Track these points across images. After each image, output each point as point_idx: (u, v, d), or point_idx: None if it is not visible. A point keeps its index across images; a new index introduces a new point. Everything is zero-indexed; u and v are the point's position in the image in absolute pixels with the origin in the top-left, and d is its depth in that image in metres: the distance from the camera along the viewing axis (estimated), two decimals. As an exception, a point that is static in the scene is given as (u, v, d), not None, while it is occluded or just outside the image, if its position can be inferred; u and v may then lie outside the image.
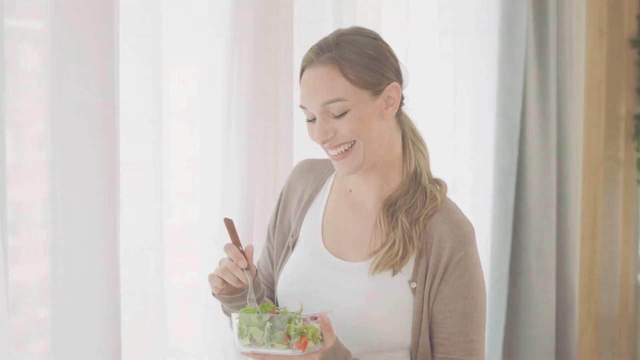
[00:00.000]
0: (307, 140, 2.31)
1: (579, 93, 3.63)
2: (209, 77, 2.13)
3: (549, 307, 3.34)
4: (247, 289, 1.73)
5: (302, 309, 1.65)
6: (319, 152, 2.33)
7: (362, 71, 1.69)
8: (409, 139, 1.80)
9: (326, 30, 2.34)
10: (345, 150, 1.72)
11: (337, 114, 1.69)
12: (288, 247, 1.85)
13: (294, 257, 1.83)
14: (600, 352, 4.09)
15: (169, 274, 2.04)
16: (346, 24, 2.44)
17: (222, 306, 1.81)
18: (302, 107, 1.74)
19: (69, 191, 1.70)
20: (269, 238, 1.92)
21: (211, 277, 1.73)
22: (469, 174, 3.17)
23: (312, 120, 1.74)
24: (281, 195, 1.92)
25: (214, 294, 1.77)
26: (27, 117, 1.68)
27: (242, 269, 1.70)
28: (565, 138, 3.42)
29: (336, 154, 1.72)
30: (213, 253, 2.11)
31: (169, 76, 2.02)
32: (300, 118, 2.29)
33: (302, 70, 1.74)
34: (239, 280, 1.71)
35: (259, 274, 1.80)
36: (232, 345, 2.07)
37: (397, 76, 1.75)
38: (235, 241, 1.71)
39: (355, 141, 1.71)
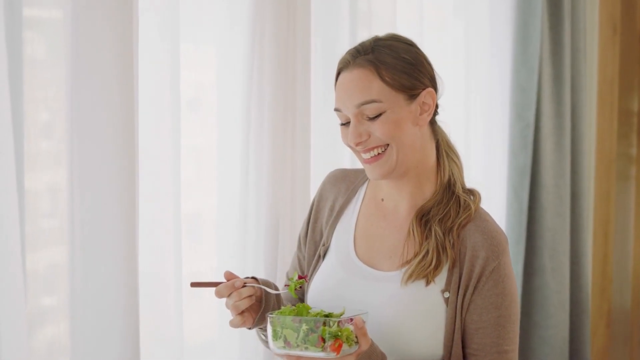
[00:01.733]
0: (323, 129, 2.35)
1: (593, 91, 3.60)
2: (228, 66, 2.13)
3: (563, 308, 3.32)
4: (263, 300, 1.73)
5: (344, 312, 1.65)
6: (334, 141, 2.32)
7: (398, 74, 1.70)
8: (443, 150, 1.81)
9: (342, 20, 2.37)
10: (378, 154, 1.72)
11: (371, 116, 1.70)
12: (319, 256, 1.85)
13: (325, 266, 1.83)
14: (612, 349, 4.07)
15: (186, 262, 2.04)
16: (361, 12, 2.46)
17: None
18: (336, 110, 1.75)
19: (87, 179, 1.71)
20: (299, 247, 1.93)
21: (233, 323, 1.72)
22: (483, 174, 3.15)
23: (345, 123, 1.74)
24: (312, 204, 1.92)
25: (249, 328, 1.76)
26: (45, 106, 1.68)
27: (243, 286, 1.69)
28: (580, 138, 3.39)
29: (369, 157, 1.73)
30: (230, 241, 2.13)
31: (187, 65, 2.03)
32: (316, 106, 2.32)
33: (338, 74, 1.75)
34: (251, 297, 1.70)
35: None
36: (247, 333, 2.07)
37: (432, 83, 1.76)
38: (214, 284, 1.71)
39: (388, 145, 1.71)
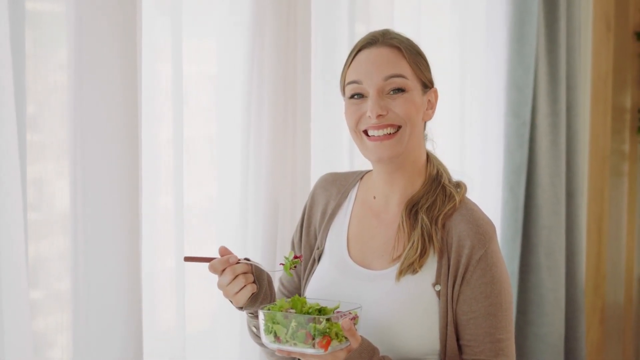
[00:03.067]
0: (324, 126, 2.36)
1: (587, 89, 3.61)
2: (228, 60, 2.14)
3: (558, 305, 3.32)
4: (256, 281, 1.72)
5: (338, 306, 1.67)
6: (334, 136, 2.31)
7: (420, 64, 1.79)
8: (430, 154, 1.87)
9: (341, 15, 2.39)
10: (389, 133, 1.75)
11: (395, 90, 1.74)
12: (314, 260, 1.87)
13: (320, 270, 1.85)
14: (606, 345, 4.08)
15: (189, 251, 2.04)
16: (359, 12, 2.49)
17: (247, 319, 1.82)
18: (354, 82, 1.77)
19: (90, 169, 1.71)
20: (293, 251, 1.91)
21: (236, 296, 1.71)
22: (478, 173, 3.15)
23: (356, 97, 1.77)
24: (305, 209, 1.94)
25: (240, 308, 1.76)
26: (48, 97, 1.69)
27: (237, 262, 1.69)
28: (575, 135, 3.40)
29: (381, 134, 1.76)
30: (230, 233, 2.14)
31: (190, 57, 2.03)
32: (317, 99, 2.33)
33: (361, 49, 1.79)
34: (247, 275, 1.70)
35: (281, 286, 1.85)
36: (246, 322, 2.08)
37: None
38: (208, 259, 1.71)
39: (400, 127, 1.75)
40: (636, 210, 4.25)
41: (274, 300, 1.76)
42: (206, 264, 1.70)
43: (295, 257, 1.73)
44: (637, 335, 4.33)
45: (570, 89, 3.36)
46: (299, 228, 1.93)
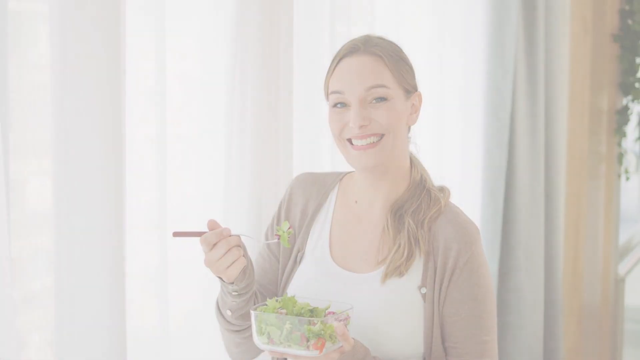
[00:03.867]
0: (306, 126, 2.36)
1: (565, 91, 3.63)
2: (212, 57, 2.13)
3: (537, 307, 3.33)
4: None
5: (329, 306, 1.66)
6: (317, 130, 2.33)
7: (402, 70, 1.78)
8: (413, 158, 1.87)
9: (322, 15, 2.39)
10: (373, 142, 1.75)
11: (377, 99, 1.74)
12: (295, 261, 1.86)
13: (301, 272, 1.84)
14: (583, 345, 4.11)
15: (172, 249, 2.01)
16: (340, 12, 2.49)
17: (219, 309, 1.79)
18: (336, 92, 1.77)
19: (73, 167, 1.69)
20: (268, 246, 1.91)
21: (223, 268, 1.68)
22: (458, 175, 3.15)
23: (339, 106, 1.77)
24: (281, 206, 1.92)
25: (231, 283, 1.72)
26: (31, 96, 1.68)
27: (230, 236, 1.66)
28: (554, 137, 3.41)
29: (364, 144, 1.75)
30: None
31: (173, 55, 2.02)
32: (298, 102, 2.31)
33: (342, 58, 1.78)
34: (239, 248, 1.67)
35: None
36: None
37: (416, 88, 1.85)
38: (198, 233, 1.68)
39: (383, 135, 1.75)
40: (613, 212, 4.28)
41: (254, 278, 1.74)
42: (194, 244, 1.68)
43: (290, 228, 1.72)
44: (613, 335, 4.36)
45: (548, 91, 3.38)
46: (275, 223, 1.90)
